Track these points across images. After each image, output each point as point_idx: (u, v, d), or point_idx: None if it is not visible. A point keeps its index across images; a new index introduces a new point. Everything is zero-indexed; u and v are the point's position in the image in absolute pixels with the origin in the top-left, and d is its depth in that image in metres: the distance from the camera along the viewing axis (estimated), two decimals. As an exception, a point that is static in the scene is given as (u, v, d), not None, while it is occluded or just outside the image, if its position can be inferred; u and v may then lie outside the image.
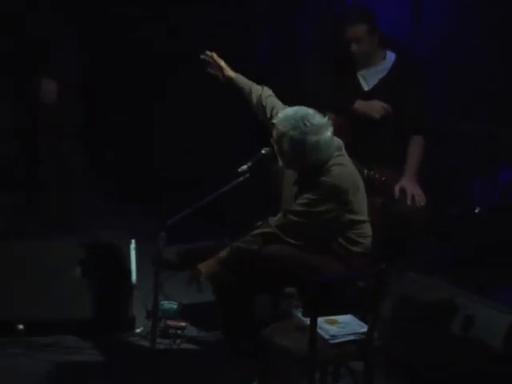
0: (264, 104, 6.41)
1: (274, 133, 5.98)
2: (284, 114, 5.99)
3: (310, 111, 5.96)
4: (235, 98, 6.71)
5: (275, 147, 6.03)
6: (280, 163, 6.09)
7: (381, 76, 7.04)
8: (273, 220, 6.07)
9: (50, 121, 7.87)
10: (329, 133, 5.92)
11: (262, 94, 6.47)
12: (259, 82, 6.82)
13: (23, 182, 8.01)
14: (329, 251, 6.00)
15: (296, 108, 6.02)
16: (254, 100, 6.47)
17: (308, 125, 5.90)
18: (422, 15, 7.70)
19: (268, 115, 6.36)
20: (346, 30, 7.06)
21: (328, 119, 5.97)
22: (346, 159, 6.05)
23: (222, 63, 6.62)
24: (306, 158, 5.95)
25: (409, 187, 6.79)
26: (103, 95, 8.77)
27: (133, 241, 6.73)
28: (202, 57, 6.63)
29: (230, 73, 6.60)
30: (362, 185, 6.05)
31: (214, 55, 6.63)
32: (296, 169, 6.10)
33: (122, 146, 8.99)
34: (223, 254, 6.02)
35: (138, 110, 9.01)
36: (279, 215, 6.10)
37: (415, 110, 6.96)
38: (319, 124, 5.91)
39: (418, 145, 6.93)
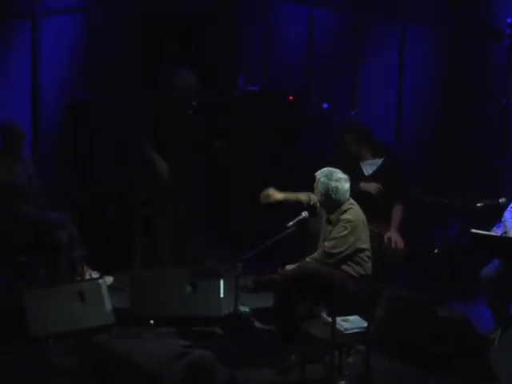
0: (308, 201, 6.62)
1: (316, 181, 6.33)
2: (322, 170, 6.37)
3: (337, 170, 6.32)
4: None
5: (315, 191, 6.34)
6: (318, 204, 6.38)
7: (375, 168, 7.31)
8: (319, 252, 6.32)
9: None
10: (345, 184, 6.29)
11: (306, 197, 6.63)
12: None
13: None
14: (344, 270, 6.26)
15: (329, 168, 6.38)
16: (303, 200, 6.64)
17: (333, 176, 6.28)
18: (401, 126, 8.01)
19: (311, 203, 6.64)
20: (343, 138, 7.42)
21: (347, 179, 6.29)
22: (355, 205, 6.36)
23: (270, 193, 6.63)
24: (329, 197, 6.27)
25: (393, 236, 7.12)
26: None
27: (221, 268, 7.01)
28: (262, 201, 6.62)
29: (278, 196, 6.64)
30: (365, 221, 6.36)
31: (264, 196, 6.64)
32: (325, 208, 6.35)
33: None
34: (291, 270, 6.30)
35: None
36: (321, 249, 6.33)
37: (396, 189, 7.23)
38: (340, 177, 6.29)
39: (398, 209, 7.23)
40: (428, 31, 8.01)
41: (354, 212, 6.34)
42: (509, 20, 7.35)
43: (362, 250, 6.33)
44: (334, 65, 8.30)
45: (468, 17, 7.69)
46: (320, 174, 6.36)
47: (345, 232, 6.28)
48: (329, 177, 6.30)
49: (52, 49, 8.00)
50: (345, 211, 6.32)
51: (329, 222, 6.41)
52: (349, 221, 6.29)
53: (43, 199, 7.41)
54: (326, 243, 6.34)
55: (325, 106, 8.13)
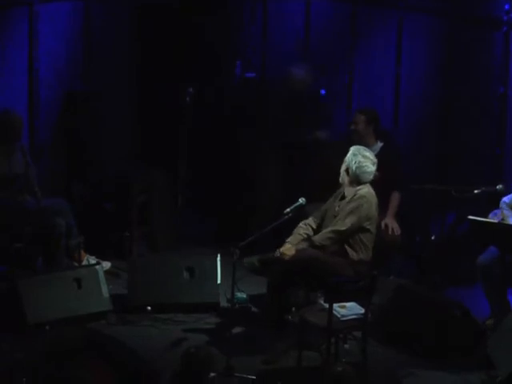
0: (314, 226, 6.48)
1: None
2: (357, 146, 6.46)
3: (368, 150, 6.43)
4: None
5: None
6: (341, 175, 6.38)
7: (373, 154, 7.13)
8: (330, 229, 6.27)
9: None
10: (370, 165, 6.32)
11: (309, 225, 6.50)
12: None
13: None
14: (344, 253, 6.23)
15: (362, 146, 6.47)
16: (314, 226, 6.50)
17: (361, 152, 6.35)
18: (398, 115, 8.01)
19: (319, 221, 6.50)
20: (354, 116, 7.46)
21: (375, 163, 6.32)
22: (371, 188, 6.35)
23: (287, 251, 6.31)
24: (349, 169, 6.31)
25: (390, 223, 7.14)
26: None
27: (218, 255, 6.94)
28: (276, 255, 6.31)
29: (294, 249, 6.31)
30: (377, 206, 6.33)
31: (283, 253, 6.29)
32: (345, 179, 6.35)
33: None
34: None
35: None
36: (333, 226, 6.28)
37: (394, 176, 7.18)
38: (367, 156, 6.35)
39: (396, 197, 7.26)
40: (426, 20, 7.96)
41: (368, 191, 6.32)
42: (506, 7, 7.35)
43: (368, 232, 6.28)
44: (332, 53, 8.30)
45: (466, 6, 7.65)
46: (352, 147, 6.42)
47: (358, 209, 6.22)
48: (358, 151, 6.35)
49: (49, 37, 7.90)
50: (360, 189, 6.30)
51: (343, 197, 6.39)
52: (362, 196, 6.25)
53: (40, 188, 7.33)
54: (339, 221, 6.26)
55: (322, 92, 8.05)
